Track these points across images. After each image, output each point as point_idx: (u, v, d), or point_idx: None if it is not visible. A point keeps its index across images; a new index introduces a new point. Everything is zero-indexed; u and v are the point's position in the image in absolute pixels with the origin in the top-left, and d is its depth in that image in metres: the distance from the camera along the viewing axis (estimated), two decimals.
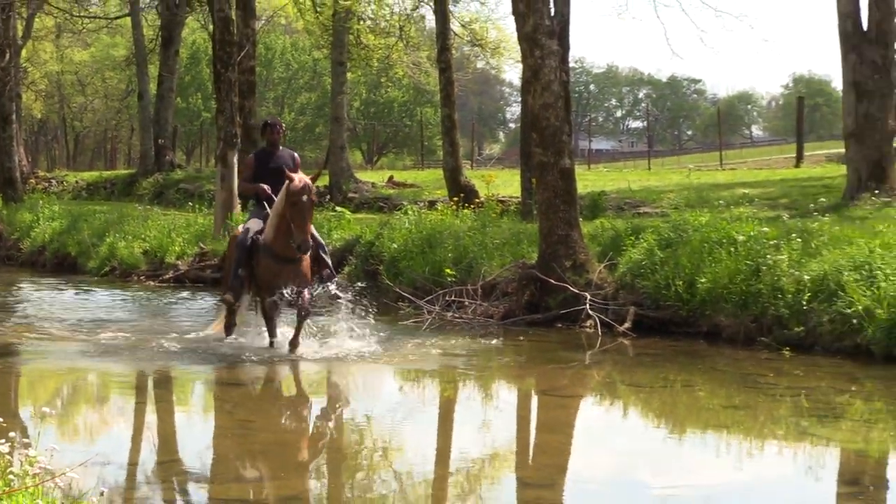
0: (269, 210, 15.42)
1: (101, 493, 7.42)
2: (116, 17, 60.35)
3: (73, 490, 7.24)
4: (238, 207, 28.83)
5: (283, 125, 17.21)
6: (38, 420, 8.01)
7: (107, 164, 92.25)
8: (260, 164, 16.22)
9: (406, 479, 10.07)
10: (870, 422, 12.46)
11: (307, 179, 14.76)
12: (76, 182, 52.73)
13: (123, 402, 13.12)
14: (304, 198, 14.49)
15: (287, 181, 14.61)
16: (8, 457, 6.78)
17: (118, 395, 13.48)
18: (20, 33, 53.16)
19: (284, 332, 15.74)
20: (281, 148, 16.56)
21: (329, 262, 16.01)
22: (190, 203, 35.78)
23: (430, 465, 10.77)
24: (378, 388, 13.71)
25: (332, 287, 15.73)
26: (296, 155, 16.78)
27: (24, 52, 56.38)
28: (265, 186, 15.68)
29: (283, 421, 12.31)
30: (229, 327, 16.41)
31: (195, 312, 22.16)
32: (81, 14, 60.78)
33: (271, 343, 15.76)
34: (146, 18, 53.19)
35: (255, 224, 15.74)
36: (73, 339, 17.61)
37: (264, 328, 16.13)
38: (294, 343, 15.20)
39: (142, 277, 27.62)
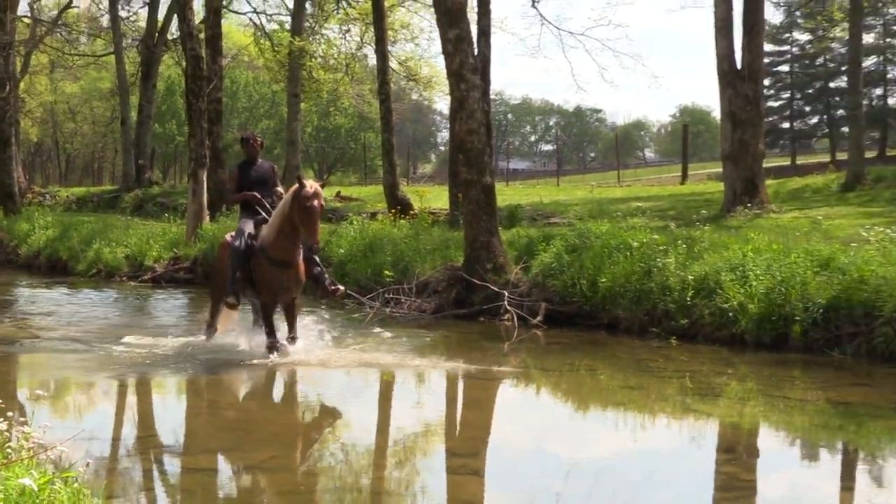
0: (263, 215, 14.68)
1: (87, 465, 7.34)
2: (102, 55, 59.93)
3: (63, 462, 7.17)
4: (207, 218, 28.76)
5: (259, 138, 16.00)
6: (33, 401, 7.94)
7: (94, 180, 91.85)
8: (242, 174, 15.27)
9: (352, 449, 10.05)
10: (743, 399, 12.55)
11: (318, 186, 13.87)
12: (67, 196, 52.31)
13: (107, 385, 12.98)
14: (315, 202, 13.56)
15: (299, 187, 13.66)
16: (6, 433, 6.70)
17: (103, 379, 13.33)
18: (19, 68, 52.81)
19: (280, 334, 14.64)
20: (260, 160, 15.53)
21: (318, 260, 15.21)
22: (165, 214, 35.72)
23: (372, 437, 10.74)
24: (329, 373, 13.63)
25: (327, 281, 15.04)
26: (275, 166, 16.01)
27: (22, 85, 55.87)
28: (255, 193, 14.92)
29: (246, 401, 12.25)
30: (210, 328, 15.63)
31: (169, 308, 22.08)
32: (72, 52, 60.42)
33: (271, 345, 14.13)
34: (128, 56, 52.90)
35: (246, 228, 14.71)
36: (64, 331, 17.49)
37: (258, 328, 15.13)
38: (293, 337, 14.42)
39: (123, 278, 27.54)
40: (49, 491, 6.01)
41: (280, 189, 15.20)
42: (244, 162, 15.51)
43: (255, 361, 13.96)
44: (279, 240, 13.96)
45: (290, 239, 13.93)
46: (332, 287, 14.99)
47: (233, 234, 15.10)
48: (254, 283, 14.53)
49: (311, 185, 13.66)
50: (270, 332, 14.27)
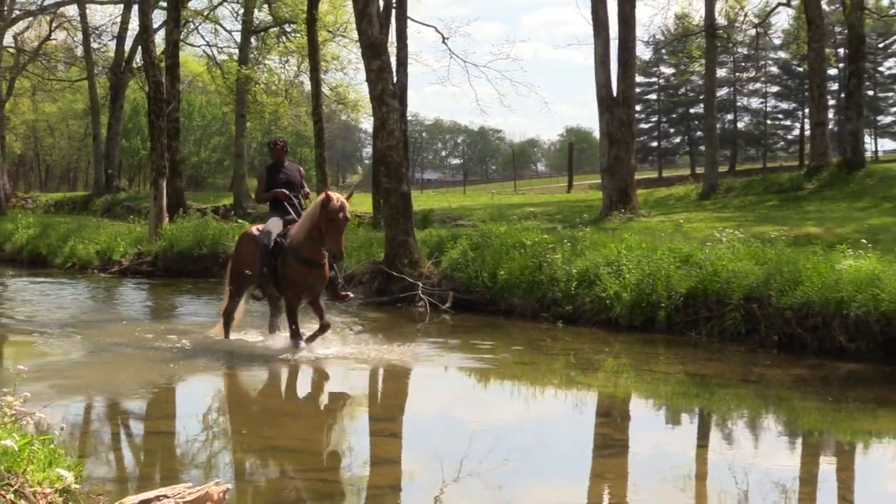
0: (292, 214, 13.62)
1: (62, 429, 7.24)
2: (77, 80, 59.04)
3: (41, 426, 7.08)
4: (166, 219, 28.58)
5: (285, 141, 14.40)
6: (15, 374, 7.82)
7: (69, 187, 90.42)
8: (270, 176, 13.89)
9: (286, 416, 9.98)
10: (618, 373, 12.66)
11: (343, 199, 12.65)
12: (46, 201, 51.65)
13: (80, 360, 12.76)
14: (341, 215, 12.41)
15: (326, 199, 12.47)
16: None
17: (76, 355, 13.11)
18: (5, 91, 52.29)
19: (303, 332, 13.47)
20: (287, 162, 14.20)
21: (336, 267, 13.81)
22: (131, 216, 35.46)
23: (304, 406, 10.67)
24: (266, 351, 13.48)
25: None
26: (301, 168, 14.65)
27: (7, 106, 55.07)
28: (284, 191, 13.71)
29: (202, 373, 12.10)
30: (227, 326, 14.26)
31: (133, 298, 21.86)
32: (51, 78, 59.43)
33: (295, 343, 13.14)
34: (99, 81, 52.16)
35: (275, 226, 13.54)
36: (43, 314, 17.23)
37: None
38: (325, 324, 13.11)
39: (94, 270, 27.35)
40: (28, 451, 5.93)
41: (307, 189, 14.29)
42: (272, 164, 14.22)
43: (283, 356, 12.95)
44: (307, 243, 12.89)
45: (318, 243, 12.85)
46: (343, 292, 13.93)
47: (259, 226, 14.11)
48: (277, 280, 13.45)
49: (337, 198, 12.60)
50: (294, 327, 13.23)
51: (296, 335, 13.17)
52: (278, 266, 13.24)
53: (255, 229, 14.12)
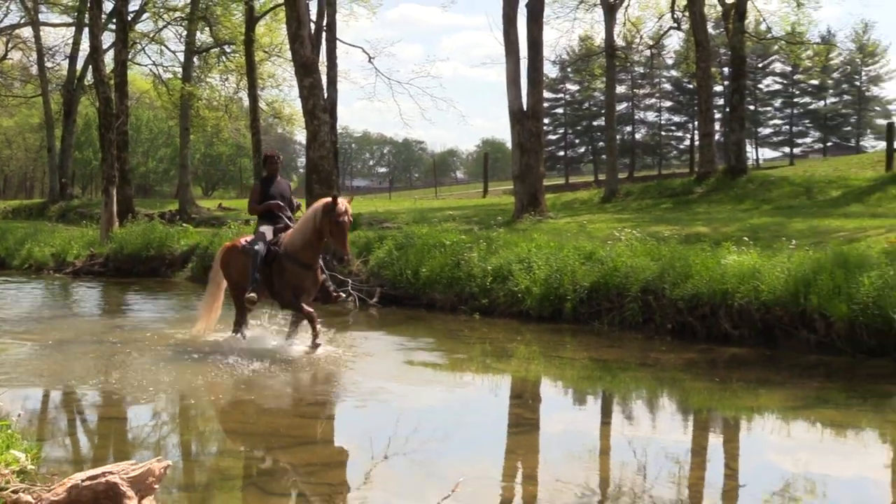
0: (285, 222, 12.99)
1: (19, 415, 7.11)
2: (32, 97, 57.97)
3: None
4: (116, 224, 28.27)
5: (280, 156, 13.83)
6: None
7: (26, 195, 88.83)
8: (264, 188, 13.34)
9: (230, 401, 9.87)
10: (529, 359, 12.73)
11: (347, 203, 12.17)
12: (4, 208, 50.72)
13: (36, 353, 12.50)
14: (346, 218, 11.93)
15: (332, 203, 11.98)
16: None
17: (32, 349, 12.83)
18: None
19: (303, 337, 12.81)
20: (279, 177, 13.45)
21: (324, 267, 13.21)
22: (84, 221, 34.90)
23: (247, 392, 10.53)
24: (214, 345, 13.32)
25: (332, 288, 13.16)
26: (290, 183, 14.18)
27: None
28: (278, 202, 13.07)
29: (154, 358, 11.92)
30: (239, 326, 13.18)
31: (86, 296, 21.53)
32: (7, 95, 58.39)
33: (315, 342, 12.39)
34: (53, 98, 51.34)
35: (268, 234, 12.89)
36: None
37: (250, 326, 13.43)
38: (315, 343, 12.34)
39: (50, 271, 27.01)
40: None
41: (297, 201, 13.72)
42: (266, 178, 13.54)
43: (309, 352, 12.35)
44: (306, 249, 12.34)
45: (315, 248, 12.36)
46: (335, 294, 13.37)
47: (246, 238, 13.37)
48: (271, 286, 12.75)
49: (342, 201, 12.13)
50: (311, 317, 12.44)
51: (312, 319, 12.48)
52: (273, 272, 12.66)
53: (243, 240, 13.37)
